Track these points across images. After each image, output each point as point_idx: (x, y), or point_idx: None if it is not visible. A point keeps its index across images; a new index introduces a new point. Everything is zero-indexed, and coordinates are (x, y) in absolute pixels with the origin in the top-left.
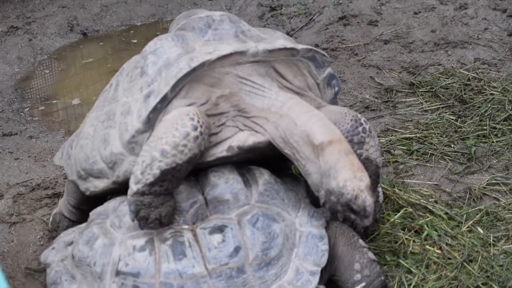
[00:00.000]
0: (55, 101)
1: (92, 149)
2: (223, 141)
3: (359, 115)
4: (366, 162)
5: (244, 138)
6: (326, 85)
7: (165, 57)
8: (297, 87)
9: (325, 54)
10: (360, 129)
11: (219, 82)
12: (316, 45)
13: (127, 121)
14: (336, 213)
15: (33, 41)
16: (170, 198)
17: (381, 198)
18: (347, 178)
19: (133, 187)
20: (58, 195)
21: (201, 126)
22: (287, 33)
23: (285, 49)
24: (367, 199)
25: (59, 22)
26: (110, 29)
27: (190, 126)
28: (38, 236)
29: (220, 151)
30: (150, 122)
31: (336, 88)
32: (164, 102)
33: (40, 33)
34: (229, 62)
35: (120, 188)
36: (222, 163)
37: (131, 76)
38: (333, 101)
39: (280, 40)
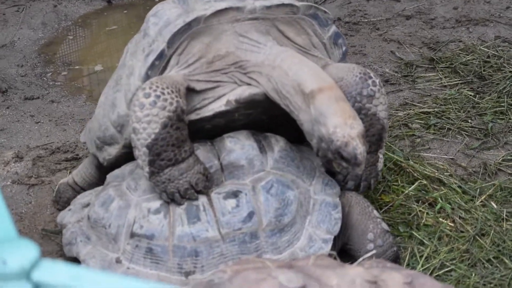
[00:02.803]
0: (77, 67)
1: (103, 116)
2: (222, 96)
3: (368, 70)
4: (373, 119)
5: (241, 91)
6: (333, 45)
7: (165, 18)
8: (301, 46)
9: (328, 11)
10: (370, 81)
11: (217, 40)
12: (339, 19)
13: (130, 81)
14: (328, 161)
15: (57, 7)
16: (191, 165)
17: (380, 165)
18: (337, 124)
19: (144, 173)
20: (77, 159)
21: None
22: None
23: (283, 5)
24: (358, 147)
25: None
26: None
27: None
28: None
29: (219, 106)
30: (149, 79)
31: (344, 48)
32: (162, 59)
33: (65, 0)
34: (227, 19)
35: (131, 153)
36: (231, 124)
37: (136, 40)
38: (342, 62)
39: None
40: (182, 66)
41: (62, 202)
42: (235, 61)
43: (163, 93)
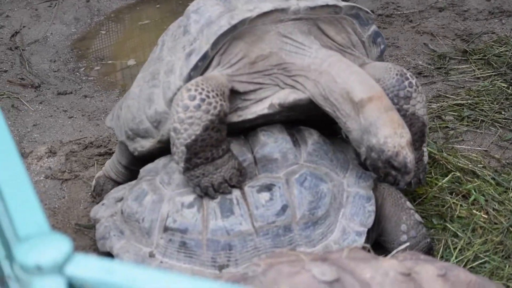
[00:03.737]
0: (110, 62)
1: (138, 109)
2: (264, 99)
3: (404, 70)
4: (413, 118)
5: (285, 96)
6: (371, 43)
7: (207, 16)
8: (340, 45)
9: (369, 11)
10: (406, 83)
11: (260, 40)
12: (372, 11)
13: (169, 79)
14: (377, 170)
15: (90, 2)
16: (226, 161)
17: (426, 158)
18: (388, 135)
19: (179, 168)
20: (110, 154)
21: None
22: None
23: (328, 6)
24: (408, 156)
25: None
26: None
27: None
28: (89, 194)
29: (261, 109)
30: (191, 79)
31: (382, 46)
32: (205, 60)
33: None
34: (271, 19)
35: (166, 148)
36: (268, 122)
37: (175, 36)
38: (380, 60)
39: None
40: (224, 66)
41: (105, 194)
42: (279, 63)
43: (208, 96)
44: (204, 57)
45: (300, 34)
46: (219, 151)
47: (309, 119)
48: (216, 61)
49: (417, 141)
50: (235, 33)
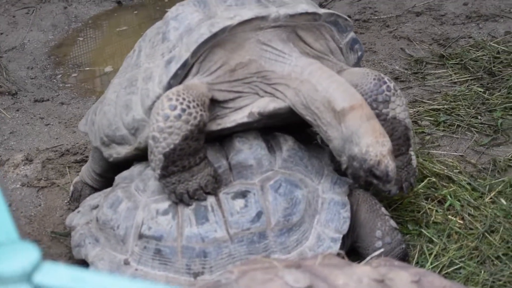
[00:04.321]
0: (88, 68)
1: (114, 115)
2: (244, 107)
3: (382, 74)
4: (394, 122)
5: (264, 104)
6: (349, 50)
7: (186, 23)
8: (318, 51)
9: (348, 18)
10: (384, 87)
11: (240, 48)
12: (349, 16)
13: (148, 87)
14: (358, 178)
15: (68, 9)
16: (202, 168)
17: (414, 162)
18: (369, 143)
19: (155, 174)
20: (87, 161)
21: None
22: (320, 4)
23: (307, 13)
24: (389, 164)
25: None
26: None
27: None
28: (65, 201)
29: (241, 117)
30: (171, 88)
31: (359, 53)
32: (185, 68)
33: (75, 1)
34: (251, 27)
35: (142, 155)
36: (246, 129)
37: (153, 42)
38: (357, 66)
39: (302, 5)
40: (204, 74)
41: (83, 199)
42: (259, 71)
43: (188, 107)
44: (184, 65)
45: (279, 42)
46: (196, 159)
47: (285, 124)
48: (195, 69)
49: (402, 145)
50: (215, 40)
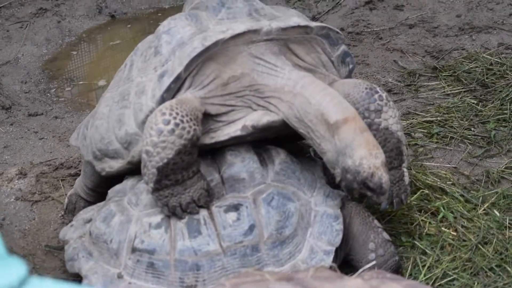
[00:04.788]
0: (81, 82)
1: (107, 130)
2: (237, 120)
3: (374, 85)
4: (386, 133)
5: (258, 117)
6: (340, 63)
7: (178, 37)
8: (310, 64)
9: (339, 31)
10: (376, 96)
11: (232, 61)
12: (342, 29)
13: (141, 101)
14: (352, 191)
15: (61, 23)
16: (195, 182)
17: (406, 178)
18: (363, 156)
19: (148, 188)
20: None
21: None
22: (313, 17)
23: (299, 27)
24: (383, 176)
25: (88, 4)
26: (138, 11)
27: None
28: (59, 215)
29: (234, 131)
30: (164, 101)
31: (351, 66)
32: (178, 82)
33: (68, 15)
34: (243, 40)
35: (135, 169)
36: (238, 142)
37: (145, 56)
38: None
39: (294, 18)
40: (197, 88)
41: (78, 211)
42: (251, 84)
43: (182, 121)
44: (177, 79)
45: (272, 55)
46: (190, 172)
47: (277, 137)
48: (188, 82)
49: (395, 159)
50: (207, 54)
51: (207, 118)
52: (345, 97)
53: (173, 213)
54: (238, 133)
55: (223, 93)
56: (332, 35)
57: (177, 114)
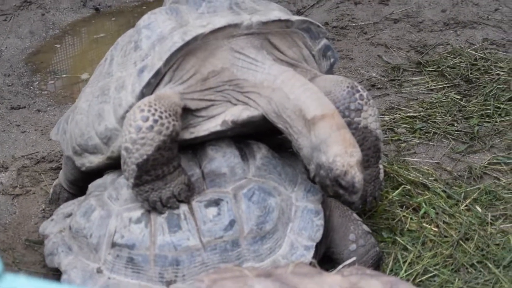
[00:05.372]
0: (65, 76)
1: (87, 125)
2: (217, 115)
3: (355, 83)
4: (365, 132)
5: (238, 112)
6: (321, 57)
7: (158, 31)
8: (292, 59)
9: (320, 25)
10: (357, 95)
11: (212, 56)
12: (326, 23)
13: (121, 96)
14: (325, 188)
15: (45, 16)
16: (175, 177)
17: (381, 175)
18: (338, 153)
19: (128, 183)
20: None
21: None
22: (298, 11)
23: (280, 20)
24: (356, 175)
25: None
26: (122, 4)
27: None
28: (40, 209)
29: (214, 126)
30: (144, 96)
31: (332, 59)
32: (158, 76)
33: (53, 8)
34: (223, 35)
35: (115, 164)
36: (219, 137)
37: (125, 51)
38: (329, 73)
39: (275, 12)
40: (176, 83)
41: (62, 202)
42: (231, 79)
43: (161, 117)
44: (157, 73)
45: (252, 49)
46: (170, 168)
47: (258, 132)
48: (168, 77)
49: (372, 157)
50: (187, 48)
51: (187, 113)
52: (326, 94)
53: (153, 207)
54: (218, 128)
55: (203, 88)
56: (313, 29)
57: (156, 110)
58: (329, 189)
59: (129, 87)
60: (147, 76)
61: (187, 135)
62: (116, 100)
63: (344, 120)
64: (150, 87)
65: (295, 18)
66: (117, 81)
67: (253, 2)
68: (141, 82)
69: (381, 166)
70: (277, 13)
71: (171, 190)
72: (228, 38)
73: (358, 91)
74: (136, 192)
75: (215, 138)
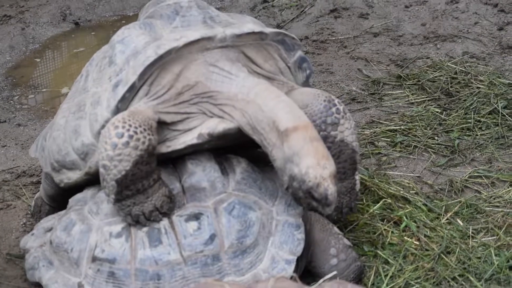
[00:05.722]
0: (45, 90)
1: (64, 141)
2: (193, 128)
3: (332, 96)
4: (342, 145)
5: (214, 125)
6: (297, 69)
7: (132, 46)
8: (268, 71)
9: (295, 37)
10: (333, 109)
11: (187, 69)
12: (306, 37)
13: (96, 111)
14: (299, 200)
15: (25, 30)
16: (156, 190)
17: (357, 186)
18: (310, 165)
19: (109, 199)
20: None
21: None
22: (278, 25)
23: (254, 33)
24: (329, 188)
25: (52, 11)
26: (102, 19)
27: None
28: (21, 223)
29: (191, 139)
30: (119, 111)
31: (308, 71)
32: (132, 91)
33: (32, 22)
34: (197, 48)
35: (93, 180)
36: (197, 150)
37: (100, 66)
38: (306, 85)
39: (249, 24)
40: (151, 98)
41: (43, 215)
42: (204, 91)
43: (136, 132)
44: (132, 88)
45: (227, 62)
46: (150, 181)
47: (235, 145)
48: (143, 91)
49: (349, 169)
50: (161, 62)
51: (163, 127)
52: (303, 107)
53: (136, 221)
54: (195, 141)
55: (177, 102)
56: (288, 41)
57: (130, 126)
58: (302, 201)
59: (104, 102)
60: (121, 90)
61: (164, 149)
62: (92, 116)
63: (320, 134)
64: (125, 102)
65: (269, 30)
66: (92, 97)
67: (227, 16)
68: (116, 97)
69: (357, 178)
70: (251, 25)
71: (153, 203)
72: (202, 51)
73: (335, 105)
74: (118, 207)
75: (193, 152)
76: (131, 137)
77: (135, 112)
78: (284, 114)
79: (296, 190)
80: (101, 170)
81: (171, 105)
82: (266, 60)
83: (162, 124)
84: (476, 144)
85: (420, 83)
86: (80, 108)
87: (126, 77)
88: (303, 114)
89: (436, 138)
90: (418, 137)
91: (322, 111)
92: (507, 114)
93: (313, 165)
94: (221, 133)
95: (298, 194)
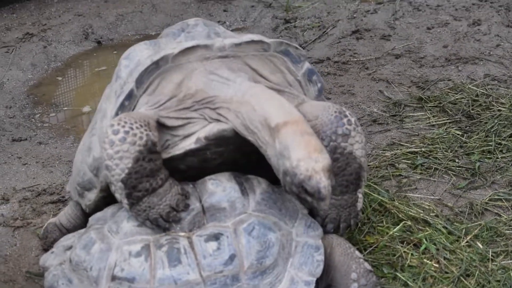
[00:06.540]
0: (66, 108)
1: (81, 162)
2: (192, 134)
3: (343, 108)
4: (350, 158)
5: (209, 128)
6: (307, 82)
7: (136, 59)
8: (276, 84)
9: (299, 47)
10: (345, 120)
11: (188, 79)
12: (328, 58)
13: (103, 124)
14: (293, 194)
15: (47, 48)
16: (168, 189)
17: (359, 205)
18: (301, 157)
19: (124, 205)
20: (63, 201)
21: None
22: (300, 45)
23: (254, 42)
24: (321, 181)
25: (74, 30)
26: (124, 38)
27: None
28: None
29: (189, 144)
30: None
31: (319, 84)
32: (132, 99)
33: (55, 41)
34: (196, 57)
35: (110, 199)
36: (203, 160)
37: (110, 84)
38: (319, 99)
39: (249, 34)
40: (153, 106)
41: (48, 243)
42: (203, 97)
43: (131, 128)
44: (130, 95)
45: (227, 70)
46: (158, 180)
47: (247, 161)
48: (144, 100)
49: (352, 183)
50: (160, 71)
51: (164, 132)
52: (313, 119)
53: (156, 225)
54: (193, 146)
55: (178, 108)
56: (292, 51)
57: (126, 122)
58: (298, 198)
59: (109, 114)
60: (121, 98)
61: (165, 155)
62: (100, 130)
63: (330, 145)
64: (126, 110)
65: (270, 40)
66: (101, 113)
67: (231, 32)
68: (116, 105)
69: (360, 196)
70: (251, 35)
71: (168, 204)
72: (202, 61)
73: (346, 116)
74: (135, 213)
75: (208, 170)
76: (127, 132)
77: (132, 112)
78: (275, 111)
79: (290, 184)
80: (106, 172)
81: (172, 111)
82: (273, 73)
83: (162, 128)
84: (496, 167)
85: (441, 105)
86: (93, 126)
87: (127, 87)
88: (295, 110)
89: (456, 160)
90: (438, 160)
91: (333, 121)
92: None
93: (303, 158)
94: (217, 134)
95: (292, 189)
